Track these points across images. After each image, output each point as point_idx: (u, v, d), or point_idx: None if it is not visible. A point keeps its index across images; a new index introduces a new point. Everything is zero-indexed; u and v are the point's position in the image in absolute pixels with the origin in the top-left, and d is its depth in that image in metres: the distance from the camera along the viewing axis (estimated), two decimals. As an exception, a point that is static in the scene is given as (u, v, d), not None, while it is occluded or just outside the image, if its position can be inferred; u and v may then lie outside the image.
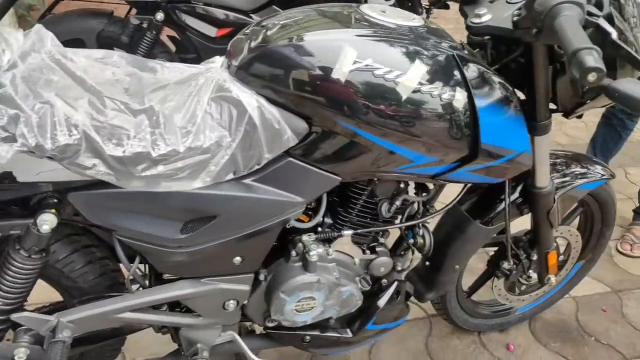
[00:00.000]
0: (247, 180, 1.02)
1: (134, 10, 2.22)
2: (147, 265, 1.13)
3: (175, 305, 1.16)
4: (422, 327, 1.88)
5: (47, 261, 0.99)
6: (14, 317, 0.97)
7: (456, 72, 1.00)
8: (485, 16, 1.09)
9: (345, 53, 0.94)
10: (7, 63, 0.86)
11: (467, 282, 1.77)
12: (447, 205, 1.30)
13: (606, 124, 2.60)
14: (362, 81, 0.94)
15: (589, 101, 1.16)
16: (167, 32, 2.34)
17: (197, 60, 2.33)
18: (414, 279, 1.58)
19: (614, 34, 0.92)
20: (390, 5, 1.65)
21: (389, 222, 1.27)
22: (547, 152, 1.27)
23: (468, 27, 1.12)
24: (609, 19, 1.01)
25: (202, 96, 0.95)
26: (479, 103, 1.01)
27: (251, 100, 0.95)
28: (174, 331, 1.20)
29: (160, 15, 2.05)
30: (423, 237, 1.30)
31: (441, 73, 0.99)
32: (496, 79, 1.06)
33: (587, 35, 0.81)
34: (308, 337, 1.32)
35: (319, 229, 1.21)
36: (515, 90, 1.13)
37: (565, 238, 1.64)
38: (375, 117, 0.97)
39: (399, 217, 1.29)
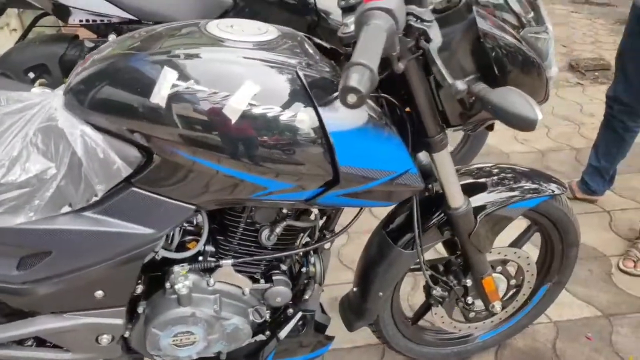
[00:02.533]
0: (87, 213, 0.96)
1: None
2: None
3: (44, 340, 1.12)
4: (374, 354, 1.75)
5: None
6: None
7: (299, 91, 0.90)
8: (353, 25, 0.98)
9: (164, 75, 0.87)
10: None
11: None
12: (337, 233, 1.19)
13: (607, 127, 2.35)
14: (184, 105, 0.87)
15: (479, 112, 1.02)
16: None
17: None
18: (344, 306, 1.48)
19: (435, 44, 0.79)
20: None
21: (282, 250, 1.18)
22: (451, 169, 1.14)
23: (340, 39, 1.01)
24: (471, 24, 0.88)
25: (29, 127, 0.91)
26: (330, 124, 0.91)
27: (74, 129, 0.90)
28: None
29: (112, 37, 2.06)
30: (314, 265, 1.20)
31: (279, 92, 0.90)
32: None
33: (378, 51, 0.69)
34: (202, 372, 1.25)
35: (201, 257, 1.14)
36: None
37: (513, 261, 1.47)
38: (206, 143, 0.89)
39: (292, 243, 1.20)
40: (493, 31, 0.92)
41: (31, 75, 2.33)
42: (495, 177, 1.37)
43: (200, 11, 2.02)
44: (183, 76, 0.87)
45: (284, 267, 1.23)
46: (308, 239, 1.23)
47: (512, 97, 0.84)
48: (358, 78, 0.65)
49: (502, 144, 3.12)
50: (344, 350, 1.74)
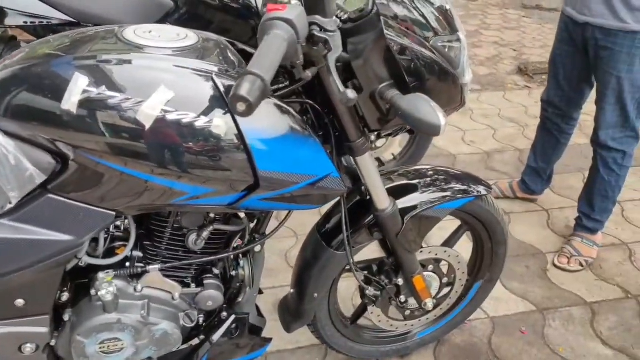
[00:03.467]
0: (3, 220, 0.94)
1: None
2: None
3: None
4: (316, 354, 1.77)
5: None
6: None
7: (215, 96, 0.91)
8: None
9: (75, 81, 0.86)
10: None
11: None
12: (265, 236, 1.21)
13: (543, 129, 2.45)
14: (96, 111, 0.87)
15: (395, 117, 1.06)
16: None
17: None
18: (282, 308, 1.49)
19: (334, 54, 0.83)
20: None
21: (211, 254, 1.18)
22: (375, 172, 1.17)
23: None
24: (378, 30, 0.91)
25: None
26: (247, 129, 0.92)
27: (-16, 135, 0.88)
28: (-33, 378, 1.13)
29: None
30: (243, 268, 1.21)
31: (194, 98, 0.91)
32: (274, 102, 0.97)
33: (275, 61, 0.71)
34: (134, 378, 1.24)
35: (128, 263, 1.14)
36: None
37: (444, 260, 1.52)
38: (121, 149, 0.89)
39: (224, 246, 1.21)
40: (400, 41, 0.96)
41: None
42: (428, 179, 1.41)
43: (140, 14, 2.00)
44: (94, 82, 0.87)
45: (216, 270, 1.24)
46: (240, 242, 1.24)
47: (418, 104, 0.88)
48: (248, 87, 0.66)
49: (449, 145, 3.21)
50: (287, 352, 1.75)
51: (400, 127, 1.11)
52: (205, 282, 1.21)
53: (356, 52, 0.94)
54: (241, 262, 1.22)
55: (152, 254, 1.14)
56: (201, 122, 0.90)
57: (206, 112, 0.90)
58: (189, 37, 1.00)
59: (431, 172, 1.45)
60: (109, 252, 1.13)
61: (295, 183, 1.00)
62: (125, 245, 1.13)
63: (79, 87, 0.86)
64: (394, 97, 0.93)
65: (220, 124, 0.91)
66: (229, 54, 1.02)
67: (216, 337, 1.25)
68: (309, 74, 0.90)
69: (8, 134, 0.90)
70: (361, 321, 1.67)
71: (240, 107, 0.67)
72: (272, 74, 0.69)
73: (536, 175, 2.54)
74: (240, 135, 0.92)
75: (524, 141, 3.31)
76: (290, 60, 0.78)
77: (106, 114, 0.87)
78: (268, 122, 0.95)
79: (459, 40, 1.05)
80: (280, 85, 1.04)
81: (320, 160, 1.02)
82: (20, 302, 1.03)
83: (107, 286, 1.07)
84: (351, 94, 0.85)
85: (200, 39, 1.01)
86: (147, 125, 0.88)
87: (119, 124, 0.88)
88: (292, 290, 1.45)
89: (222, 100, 0.91)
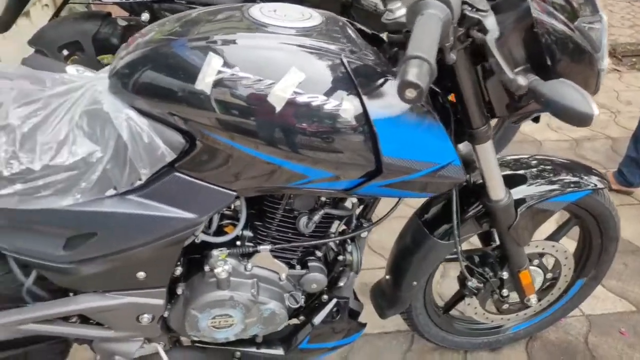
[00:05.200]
0: (131, 196, 0.97)
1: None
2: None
3: (88, 317, 1.15)
4: (403, 341, 1.75)
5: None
6: None
7: (344, 79, 0.89)
8: (398, 11, 0.96)
9: (208, 61, 0.86)
10: None
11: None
12: (376, 222, 1.18)
13: (649, 116, 2.27)
14: (229, 92, 0.86)
15: (528, 104, 0.99)
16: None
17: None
18: (376, 294, 1.47)
19: (493, 35, 0.76)
20: None
21: (319, 237, 1.18)
22: (494, 161, 1.11)
23: (383, 25, 0.99)
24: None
25: (75, 109, 0.92)
26: (374, 113, 0.89)
27: (119, 113, 0.90)
28: (89, 342, 1.20)
29: (145, 16, 2.06)
30: (351, 253, 1.20)
31: (324, 80, 0.88)
32: None
33: (435, 42, 0.67)
34: (238, 353, 1.27)
35: (238, 242, 1.15)
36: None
37: (551, 254, 1.44)
38: (250, 130, 0.89)
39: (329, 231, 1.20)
40: (547, 20, 0.88)
41: (65, 52, 2.36)
42: (534, 169, 1.34)
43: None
44: (228, 62, 0.86)
45: (319, 253, 1.23)
46: (344, 227, 1.22)
47: (566, 91, 0.81)
48: (416, 72, 0.63)
49: (535, 131, 3.04)
50: (374, 336, 1.74)
51: (526, 114, 1.04)
52: (310, 264, 1.20)
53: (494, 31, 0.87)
54: (349, 247, 1.20)
55: (262, 234, 1.15)
56: (330, 105, 0.88)
57: (335, 95, 0.88)
58: (313, 17, 0.98)
59: (535, 162, 1.37)
60: (217, 230, 1.15)
61: (417, 170, 0.97)
62: (233, 224, 1.15)
63: (212, 67, 0.86)
64: (533, 83, 0.86)
65: (348, 107, 0.89)
66: (353, 34, 0.98)
67: (317, 319, 1.25)
68: (453, 56, 0.85)
69: (142, 112, 0.91)
70: (452, 311, 1.63)
71: (410, 93, 0.64)
72: (435, 56, 0.65)
73: (636, 166, 2.36)
74: (368, 120, 0.89)
75: (616, 129, 3.09)
76: (441, 42, 0.74)
77: (238, 95, 0.87)
78: (395, 106, 0.91)
79: (600, 21, 0.96)
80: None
81: (444, 147, 0.98)
82: (141, 274, 1.07)
83: (222, 264, 1.08)
84: (522, 80, 0.80)
85: (324, 19, 0.98)
86: (278, 108, 0.87)
87: (250, 105, 0.87)
88: (387, 277, 1.43)
89: (351, 83, 0.89)
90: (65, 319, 1.12)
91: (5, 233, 0.96)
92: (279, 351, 1.27)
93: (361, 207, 1.19)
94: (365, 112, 0.89)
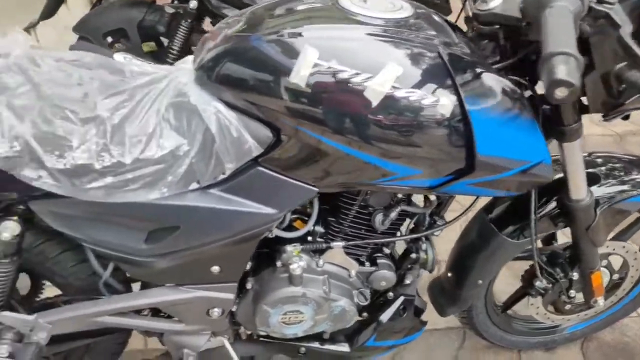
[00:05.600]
0: (213, 190, 0.96)
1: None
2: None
3: (159, 310, 1.15)
4: (455, 337, 1.72)
5: (21, 263, 1.01)
6: (-5, 316, 1.02)
7: (442, 73, 0.85)
8: (492, 2, 0.92)
9: (305, 54, 0.83)
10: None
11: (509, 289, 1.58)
12: (451, 220, 1.15)
13: None
14: (324, 86, 0.84)
15: (627, 102, 0.95)
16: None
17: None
18: (435, 291, 1.45)
19: (626, 29, 0.72)
20: None
21: (390, 234, 1.15)
22: (581, 160, 1.07)
23: (474, 15, 0.95)
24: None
25: (160, 101, 0.91)
26: (472, 109, 0.86)
27: (208, 106, 0.88)
28: (159, 335, 1.19)
29: (193, 3, 2.03)
30: (426, 251, 1.17)
31: (422, 74, 0.85)
32: (498, 79, 0.89)
33: (573, 36, 0.63)
34: (303, 349, 1.26)
35: (310, 238, 1.13)
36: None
37: (620, 255, 1.40)
38: (342, 126, 0.86)
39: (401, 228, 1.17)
40: None
41: (109, 39, 2.35)
42: (602, 168, 1.29)
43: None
44: (324, 55, 0.83)
45: (387, 250, 1.21)
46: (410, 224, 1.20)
47: None
48: (565, 69, 0.59)
49: (580, 126, 2.97)
50: (425, 333, 1.71)
51: (622, 112, 1.00)
52: (379, 261, 1.18)
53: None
54: (423, 245, 1.17)
55: (334, 230, 1.12)
56: (428, 101, 0.85)
57: (433, 90, 0.85)
58: (404, 7, 0.94)
59: (600, 160, 1.32)
60: (287, 225, 1.13)
61: (509, 169, 0.93)
62: (301, 219, 1.12)
63: (308, 60, 0.83)
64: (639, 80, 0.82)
65: (446, 102, 0.85)
66: (444, 26, 0.95)
67: (385, 317, 1.23)
68: None
69: (230, 105, 0.89)
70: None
71: (561, 92, 0.61)
72: (577, 50, 0.62)
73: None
74: (465, 116, 0.86)
75: (662, 123, 2.99)
76: None
77: (334, 89, 0.84)
78: (493, 102, 0.88)
79: None
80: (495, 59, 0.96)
81: (538, 145, 0.94)
82: (215, 268, 1.06)
83: (297, 260, 1.07)
84: None
85: (415, 10, 0.95)
86: (375, 103, 0.84)
87: (346, 100, 0.84)
88: (449, 274, 1.40)
89: (449, 77, 0.85)
90: (137, 311, 1.11)
91: (87, 225, 0.95)
92: (344, 348, 1.26)
93: (433, 205, 1.16)
94: (462, 108, 0.86)
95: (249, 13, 0.97)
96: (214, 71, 0.89)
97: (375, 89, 0.83)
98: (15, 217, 0.91)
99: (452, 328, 1.74)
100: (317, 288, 1.12)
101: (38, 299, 1.23)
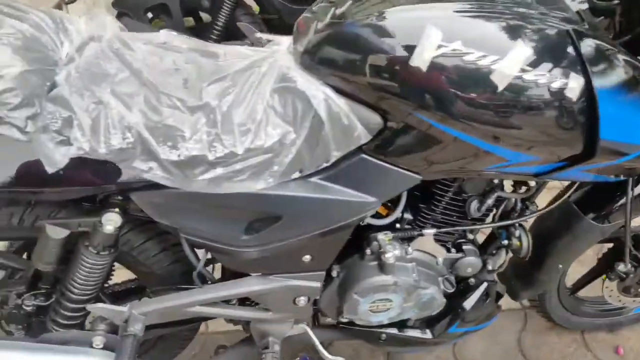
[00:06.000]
0: (315, 179, 0.92)
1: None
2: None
3: (245, 299, 1.13)
4: (516, 320, 1.71)
5: (117, 255, 0.99)
6: (90, 308, 1.00)
7: (571, 54, 0.80)
8: None
9: (427, 35, 0.78)
10: (65, 57, 0.83)
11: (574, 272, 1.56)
12: (546, 207, 1.11)
13: None
14: (448, 69, 0.79)
15: None
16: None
17: (280, 21, 2.23)
18: (508, 274, 1.42)
19: None
20: None
21: (479, 220, 1.12)
22: None
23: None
24: None
25: (264, 87, 0.86)
26: (600, 92, 0.81)
27: (317, 92, 0.84)
28: (244, 323, 1.18)
29: None
30: (520, 238, 1.13)
31: (551, 55, 0.80)
32: (624, 58, 0.84)
33: None
34: (384, 335, 1.24)
35: (397, 225, 1.10)
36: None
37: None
38: (463, 111, 0.81)
39: (491, 215, 1.13)
40: None
41: (149, 15, 2.29)
42: None
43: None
44: (449, 36, 0.78)
45: (470, 236, 1.18)
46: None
47: None
48: None
49: None
50: (486, 314, 1.70)
51: None
52: (465, 247, 1.15)
53: None
54: (517, 232, 1.14)
55: (424, 216, 1.09)
56: (556, 84, 0.80)
57: (562, 73, 0.80)
58: None
59: None
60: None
61: (627, 154, 0.89)
62: (386, 206, 1.09)
63: (432, 42, 0.78)
64: None
65: (574, 86, 0.80)
66: (564, 4, 0.88)
67: (468, 303, 1.21)
68: None
69: (339, 91, 0.85)
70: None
71: None
72: None
73: None
74: (592, 100, 0.81)
75: None
76: None
77: (458, 72, 0.79)
78: (621, 82, 0.83)
79: None
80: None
81: None
82: (307, 257, 1.03)
83: (391, 248, 1.04)
84: None
85: None
86: (501, 87, 0.79)
87: (470, 84, 0.79)
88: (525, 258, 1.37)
89: (579, 59, 0.80)
90: (226, 300, 1.09)
91: (187, 216, 0.92)
92: (427, 335, 1.24)
93: (532, 190, 1.11)
94: (590, 92, 0.81)
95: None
96: (323, 55, 0.84)
97: (503, 72, 0.78)
98: (117, 209, 0.88)
99: (513, 309, 1.72)
100: (407, 276, 1.09)
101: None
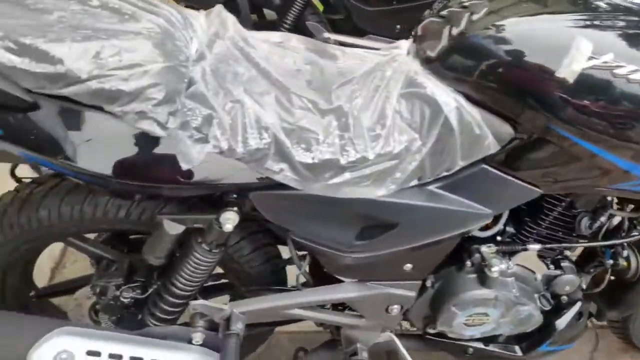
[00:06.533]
0: (432, 187, 0.90)
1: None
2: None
3: (338, 304, 1.12)
4: (587, 339, 1.65)
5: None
6: (192, 304, 1.00)
7: None
8: None
9: (577, 46, 0.75)
10: (195, 53, 0.82)
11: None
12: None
13: None
14: (597, 82, 0.76)
15: None
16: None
17: (346, 21, 2.21)
18: (593, 294, 1.37)
19: None
20: None
21: (584, 237, 1.08)
22: None
23: None
24: None
25: (390, 91, 0.84)
26: None
27: (449, 99, 0.82)
28: (334, 328, 1.16)
29: None
30: (627, 258, 1.09)
31: None
32: None
33: None
34: (471, 349, 1.21)
35: (499, 238, 1.07)
36: None
37: None
38: (607, 127, 0.78)
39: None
40: None
41: None
42: None
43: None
44: (599, 48, 0.75)
45: (568, 253, 1.14)
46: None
47: None
48: None
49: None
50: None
51: None
52: (563, 264, 1.12)
53: None
54: (624, 252, 1.10)
55: (529, 230, 1.06)
56: None
57: None
58: None
59: None
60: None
61: None
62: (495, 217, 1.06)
63: (582, 52, 0.75)
64: None
65: None
66: None
67: (562, 322, 1.17)
68: None
69: (472, 100, 0.82)
70: None
71: None
72: None
73: None
74: None
75: None
76: None
77: (605, 85, 0.76)
78: None
79: None
80: None
81: None
82: (408, 266, 1.01)
83: (497, 262, 1.00)
84: None
85: None
86: (651, 102, 0.75)
87: (620, 99, 0.76)
88: (611, 277, 1.32)
89: None
90: (320, 305, 1.08)
91: (301, 218, 0.91)
92: (516, 352, 1.21)
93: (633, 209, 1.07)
94: None
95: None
96: (458, 63, 0.82)
97: (657, 87, 0.75)
98: (235, 208, 0.88)
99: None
100: (507, 291, 1.06)
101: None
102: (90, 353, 0.89)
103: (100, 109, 0.72)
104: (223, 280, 1.26)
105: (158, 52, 0.74)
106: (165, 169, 0.81)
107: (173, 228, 0.89)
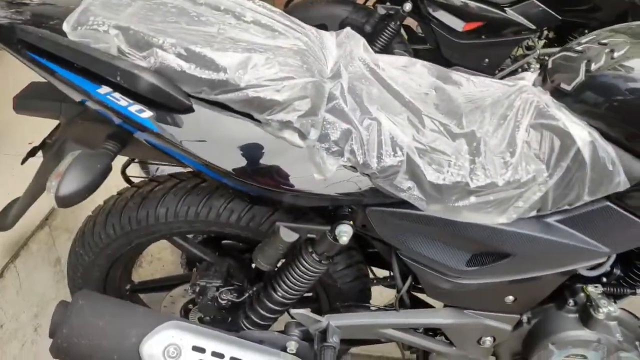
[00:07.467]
0: (550, 220, 0.89)
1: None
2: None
3: (430, 329, 1.11)
4: None
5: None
6: (293, 312, 1.01)
7: None
8: None
9: None
10: (330, 71, 0.85)
11: None
12: None
13: None
14: None
15: None
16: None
17: (432, 52, 2.23)
18: None
19: None
20: None
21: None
22: None
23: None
24: None
25: (520, 121, 0.85)
26: None
27: (583, 133, 0.81)
28: (421, 353, 1.15)
29: (408, 6, 1.99)
30: None
31: None
32: None
33: None
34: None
35: (604, 279, 1.04)
36: None
37: None
38: None
39: None
40: None
41: None
42: None
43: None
44: None
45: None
46: None
47: None
48: None
49: None
50: None
51: None
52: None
53: None
54: None
55: (638, 274, 1.02)
56: None
57: None
58: None
59: None
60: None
61: None
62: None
63: None
64: None
65: None
66: None
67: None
68: None
69: (606, 136, 0.81)
70: None
71: None
72: None
73: None
74: None
75: None
76: None
77: None
78: None
79: None
80: None
81: None
82: (510, 298, 0.99)
83: (605, 304, 0.97)
84: None
85: None
86: None
87: None
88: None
89: None
90: (414, 327, 1.08)
91: (413, 237, 0.92)
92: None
93: None
94: None
95: (628, 35, 0.88)
96: (596, 98, 0.82)
97: None
98: (351, 222, 0.89)
99: None
100: (610, 335, 1.02)
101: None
102: (195, 349, 0.91)
103: (248, 116, 0.76)
104: (307, 294, 1.28)
105: (305, 67, 0.77)
106: (291, 177, 0.83)
107: (288, 236, 0.91)
